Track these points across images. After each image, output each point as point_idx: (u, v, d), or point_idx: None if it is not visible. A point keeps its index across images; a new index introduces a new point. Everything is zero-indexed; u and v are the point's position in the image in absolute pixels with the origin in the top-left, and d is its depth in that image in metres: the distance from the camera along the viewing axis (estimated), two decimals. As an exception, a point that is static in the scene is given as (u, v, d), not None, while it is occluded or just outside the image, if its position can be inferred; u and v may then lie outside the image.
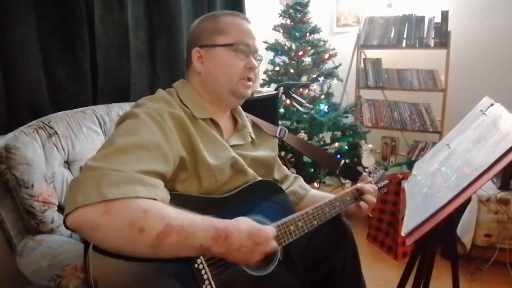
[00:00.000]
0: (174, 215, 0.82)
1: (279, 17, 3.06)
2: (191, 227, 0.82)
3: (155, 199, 0.83)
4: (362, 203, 1.26)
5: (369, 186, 1.29)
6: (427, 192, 1.14)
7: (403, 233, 0.98)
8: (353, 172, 1.47)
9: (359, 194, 1.27)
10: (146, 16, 2.03)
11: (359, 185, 1.29)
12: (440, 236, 1.23)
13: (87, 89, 1.77)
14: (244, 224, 0.90)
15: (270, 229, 0.94)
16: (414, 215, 1.05)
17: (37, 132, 1.35)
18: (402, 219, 1.11)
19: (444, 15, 3.06)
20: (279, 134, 1.37)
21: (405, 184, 1.34)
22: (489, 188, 2.27)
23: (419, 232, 0.94)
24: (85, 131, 1.49)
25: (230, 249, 0.85)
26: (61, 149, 1.39)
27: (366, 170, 1.43)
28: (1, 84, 1.47)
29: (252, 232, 0.88)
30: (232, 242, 0.85)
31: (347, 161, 1.50)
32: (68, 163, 1.43)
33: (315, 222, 1.11)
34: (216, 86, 1.13)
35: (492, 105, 1.18)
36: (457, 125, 1.36)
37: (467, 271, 2.21)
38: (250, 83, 1.15)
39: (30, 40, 1.55)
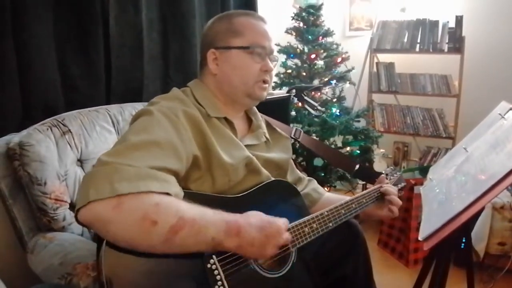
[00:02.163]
0: (187, 209, 0.82)
1: (292, 20, 3.05)
2: (203, 220, 0.82)
3: (167, 193, 0.82)
4: (392, 207, 1.23)
5: (392, 188, 1.27)
6: (442, 198, 1.12)
7: (420, 237, 0.96)
8: (369, 174, 1.45)
9: (381, 197, 1.25)
10: (160, 18, 2.04)
11: (382, 188, 1.27)
12: (455, 243, 1.21)
13: (100, 89, 1.78)
14: (254, 217, 0.90)
15: (281, 221, 0.93)
16: (431, 220, 1.03)
17: (51, 129, 1.36)
18: (419, 224, 1.09)
19: (459, 20, 3.02)
20: (294, 135, 1.36)
21: (421, 188, 1.32)
22: (503, 196, 2.22)
23: (437, 238, 0.92)
24: (98, 129, 1.50)
25: (243, 243, 0.85)
26: (74, 147, 1.40)
27: (383, 172, 1.41)
28: (17, 84, 1.48)
29: (263, 225, 0.89)
30: (244, 236, 0.85)
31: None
32: (81, 161, 1.44)
33: (330, 224, 1.09)
34: (231, 89, 1.12)
35: (511, 109, 1.16)
36: (474, 129, 1.33)
37: (480, 279, 2.16)
38: (266, 85, 1.14)
39: (46, 41, 1.56)
